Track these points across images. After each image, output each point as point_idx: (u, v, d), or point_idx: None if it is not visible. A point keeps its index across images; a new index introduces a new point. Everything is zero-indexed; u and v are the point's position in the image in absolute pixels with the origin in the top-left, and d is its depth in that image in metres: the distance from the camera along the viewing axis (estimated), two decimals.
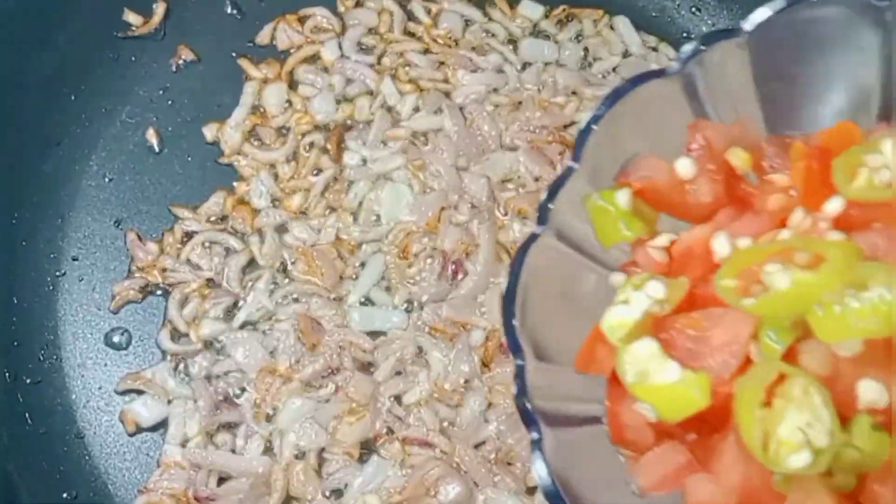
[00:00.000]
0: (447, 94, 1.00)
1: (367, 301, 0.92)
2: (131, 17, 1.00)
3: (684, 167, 0.60)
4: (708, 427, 0.55)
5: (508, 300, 0.59)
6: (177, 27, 1.02)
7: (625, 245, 0.64)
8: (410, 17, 1.04)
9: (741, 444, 0.51)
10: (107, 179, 0.97)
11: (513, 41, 1.03)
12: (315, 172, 0.97)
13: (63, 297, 0.93)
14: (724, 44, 0.62)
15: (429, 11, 1.04)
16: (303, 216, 0.96)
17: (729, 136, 0.61)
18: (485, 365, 0.89)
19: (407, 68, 1.01)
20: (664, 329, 0.55)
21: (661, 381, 0.53)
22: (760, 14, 0.62)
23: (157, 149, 0.98)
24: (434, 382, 0.89)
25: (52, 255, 0.94)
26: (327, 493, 0.86)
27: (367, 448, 0.87)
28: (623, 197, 0.59)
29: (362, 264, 0.93)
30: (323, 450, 0.87)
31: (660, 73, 0.62)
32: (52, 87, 0.96)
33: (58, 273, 0.93)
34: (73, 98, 0.97)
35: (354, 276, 0.93)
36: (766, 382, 0.50)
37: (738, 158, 0.60)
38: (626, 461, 0.60)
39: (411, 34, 1.04)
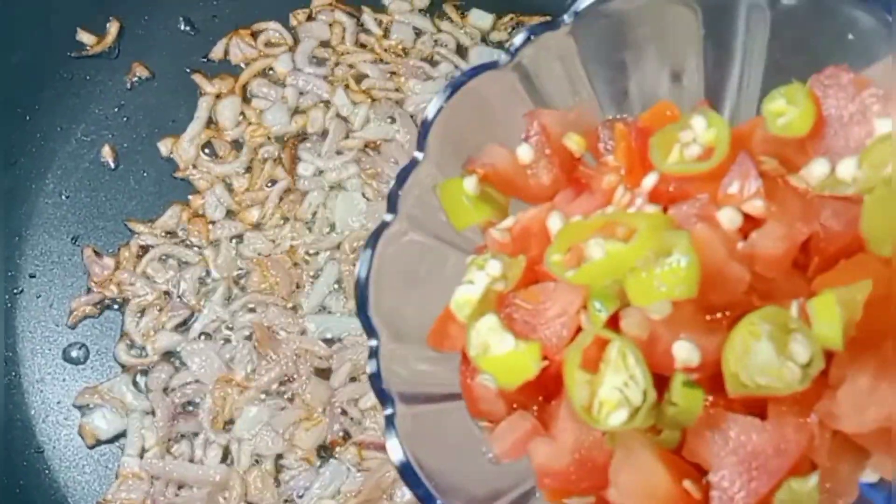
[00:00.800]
0: (399, 104, 1.02)
1: (323, 309, 0.94)
2: (85, 37, 1.02)
3: (524, 153, 0.63)
4: (549, 394, 0.58)
5: (361, 287, 0.62)
6: (130, 45, 1.03)
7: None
8: (362, 28, 1.06)
9: (571, 407, 0.53)
10: (63, 197, 0.98)
11: (462, 50, 1.05)
12: (270, 184, 0.99)
13: (21, 314, 0.94)
14: (549, 34, 0.65)
15: (380, 23, 1.06)
16: (258, 227, 0.97)
17: (565, 122, 0.64)
18: None
19: (359, 79, 1.03)
20: (505, 305, 0.58)
21: (497, 353, 0.56)
22: (580, 4, 0.64)
23: (112, 165, 0.99)
24: None
25: (9, 273, 0.95)
26: (285, 499, 0.86)
27: (323, 453, 0.88)
28: (470, 183, 0.62)
29: (317, 273, 0.95)
30: (280, 456, 0.88)
31: (493, 65, 0.65)
32: (6, 107, 0.98)
33: (15, 290, 0.95)
34: (27, 118, 0.99)
35: (309, 285, 0.94)
36: (584, 346, 0.52)
37: (574, 142, 0.63)
38: (483, 432, 0.62)
39: (363, 46, 1.05)
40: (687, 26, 0.67)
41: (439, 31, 1.06)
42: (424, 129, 0.64)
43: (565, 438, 0.55)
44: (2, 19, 0.98)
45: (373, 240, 0.63)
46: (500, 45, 1.05)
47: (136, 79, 1.02)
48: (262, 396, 0.90)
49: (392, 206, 0.64)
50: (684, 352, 0.51)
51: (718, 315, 0.53)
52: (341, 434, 0.88)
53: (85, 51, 1.02)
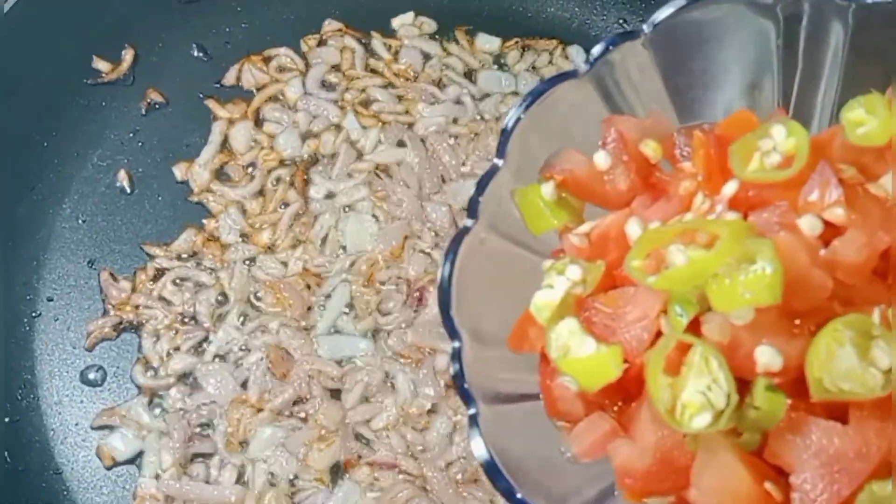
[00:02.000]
0: (409, 127, 1.04)
1: (335, 330, 0.95)
2: (101, 65, 1.04)
3: (601, 159, 0.64)
4: (629, 396, 0.59)
5: (444, 290, 0.63)
6: (145, 72, 1.05)
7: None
8: (371, 53, 1.08)
9: (654, 410, 0.54)
10: (80, 221, 1.00)
11: (471, 73, 1.07)
12: (282, 207, 1.00)
13: (39, 337, 0.96)
14: (627, 45, 0.67)
15: (389, 48, 1.08)
16: (271, 250, 0.99)
17: (641, 129, 0.65)
18: (450, 388, 0.91)
19: (369, 103, 1.05)
20: (585, 308, 0.60)
21: (579, 356, 0.57)
22: (659, 15, 0.66)
23: (128, 190, 1.01)
24: (401, 407, 0.91)
25: (27, 297, 0.97)
26: None
27: (337, 473, 0.89)
28: (548, 189, 0.64)
29: (329, 294, 0.96)
30: (294, 477, 0.89)
31: (572, 74, 0.67)
32: (24, 134, 1.00)
33: (33, 314, 0.96)
34: (45, 144, 1.01)
35: (322, 306, 0.96)
36: (667, 351, 0.54)
37: (650, 149, 0.64)
38: (561, 432, 0.64)
39: (373, 70, 1.07)
40: (764, 36, 0.68)
41: (448, 54, 1.08)
42: (504, 137, 0.65)
43: (646, 439, 0.57)
44: (19, 48, 1.00)
45: (454, 244, 0.64)
46: (505, 68, 1.07)
47: (150, 105, 1.04)
48: (277, 417, 0.91)
49: (473, 211, 0.65)
50: (767, 356, 0.52)
51: (800, 321, 0.54)
52: (354, 454, 0.90)
53: (101, 78, 1.04)
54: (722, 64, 0.70)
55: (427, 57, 1.08)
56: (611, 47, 0.66)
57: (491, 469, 0.59)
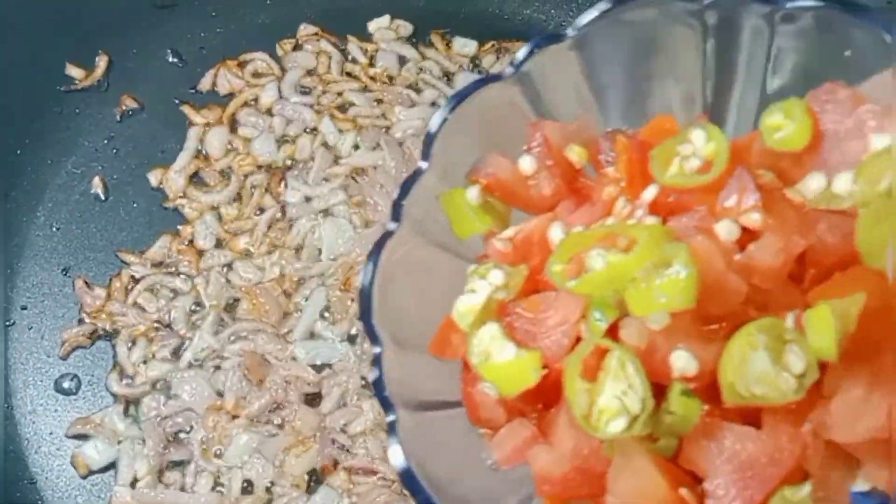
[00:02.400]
0: (385, 130, 1.03)
1: (312, 335, 0.95)
2: (74, 72, 1.04)
3: (526, 164, 0.64)
4: (549, 402, 0.59)
5: (364, 295, 0.63)
6: (119, 78, 1.05)
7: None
8: (347, 57, 1.08)
9: (570, 415, 0.54)
10: (54, 229, 0.99)
11: (447, 76, 1.07)
12: (258, 212, 1.00)
13: (13, 346, 0.95)
14: (553, 48, 0.67)
15: (365, 51, 1.08)
16: (247, 255, 0.98)
17: (566, 134, 0.66)
18: None
19: (345, 107, 1.05)
20: (507, 313, 0.60)
21: (499, 361, 0.57)
22: (584, 18, 0.66)
23: (102, 197, 1.01)
24: (378, 412, 0.90)
25: (1, 305, 0.96)
26: None
27: (314, 479, 0.89)
28: (473, 193, 0.64)
29: (306, 299, 0.96)
30: (271, 483, 0.88)
31: (497, 78, 0.66)
32: None
33: (7, 322, 0.96)
34: (18, 152, 1.00)
35: (299, 312, 0.95)
36: (585, 356, 0.54)
37: (575, 154, 0.65)
38: (483, 439, 0.63)
39: (349, 74, 1.07)
40: (689, 42, 0.69)
41: (424, 58, 1.08)
42: (428, 139, 0.65)
43: (564, 446, 0.57)
44: None
45: (377, 248, 0.64)
46: (481, 70, 1.07)
47: (125, 111, 1.04)
48: (253, 424, 0.90)
49: (396, 214, 0.65)
50: (682, 361, 0.53)
51: (715, 326, 0.54)
52: (331, 460, 0.89)
53: (74, 85, 1.04)
54: (648, 68, 0.70)
55: (403, 60, 1.07)
56: (535, 50, 0.65)
57: (408, 479, 0.59)
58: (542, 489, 0.58)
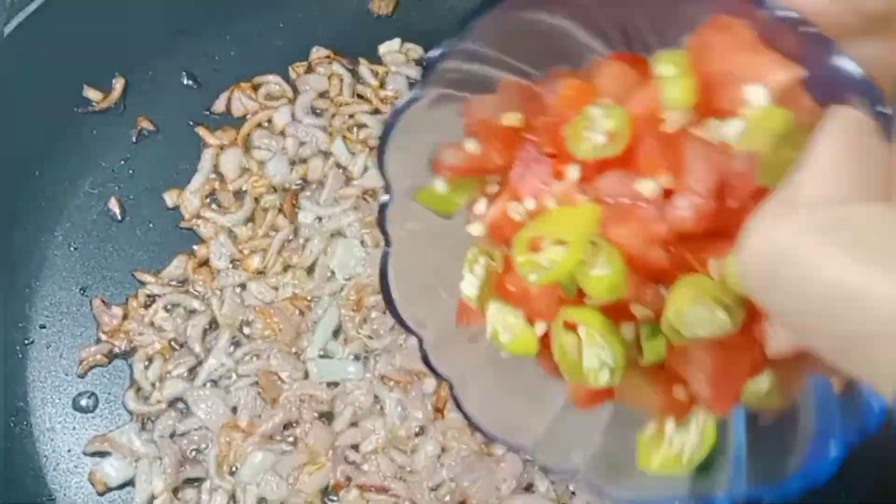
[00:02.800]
0: None
1: (325, 354, 0.97)
2: (91, 93, 1.06)
3: (471, 146, 0.65)
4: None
5: (392, 310, 0.67)
6: (136, 100, 1.07)
7: None
8: (359, 80, 1.10)
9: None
10: (72, 248, 1.01)
11: None
12: (272, 232, 1.02)
13: (32, 365, 0.97)
14: (446, 63, 0.64)
15: (376, 74, 1.10)
16: (261, 275, 1.00)
17: (496, 105, 0.64)
18: (437, 411, 0.93)
19: (357, 128, 1.07)
20: (502, 286, 0.63)
21: (508, 339, 0.62)
22: (473, 19, 0.63)
23: (119, 217, 1.03)
24: (390, 430, 0.92)
25: (20, 325, 0.98)
26: None
27: (326, 497, 0.91)
28: (440, 185, 0.65)
29: (318, 318, 0.97)
30: (284, 501, 0.90)
31: (415, 101, 0.65)
32: (16, 162, 1.00)
33: (26, 341, 0.97)
34: (36, 173, 1.02)
35: (311, 331, 0.97)
36: (560, 330, 0.59)
37: (512, 119, 0.64)
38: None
39: (360, 96, 1.09)
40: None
41: None
42: (381, 161, 0.66)
43: None
44: (10, 77, 1.01)
45: (382, 275, 0.67)
46: None
47: (141, 132, 1.06)
48: (267, 442, 0.92)
49: (387, 240, 0.67)
50: (640, 310, 0.57)
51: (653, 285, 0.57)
52: (344, 477, 0.91)
53: (91, 106, 1.06)
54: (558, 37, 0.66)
55: (413, 83, 1.09)
56: (435, 65, 0.63)
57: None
58: None
